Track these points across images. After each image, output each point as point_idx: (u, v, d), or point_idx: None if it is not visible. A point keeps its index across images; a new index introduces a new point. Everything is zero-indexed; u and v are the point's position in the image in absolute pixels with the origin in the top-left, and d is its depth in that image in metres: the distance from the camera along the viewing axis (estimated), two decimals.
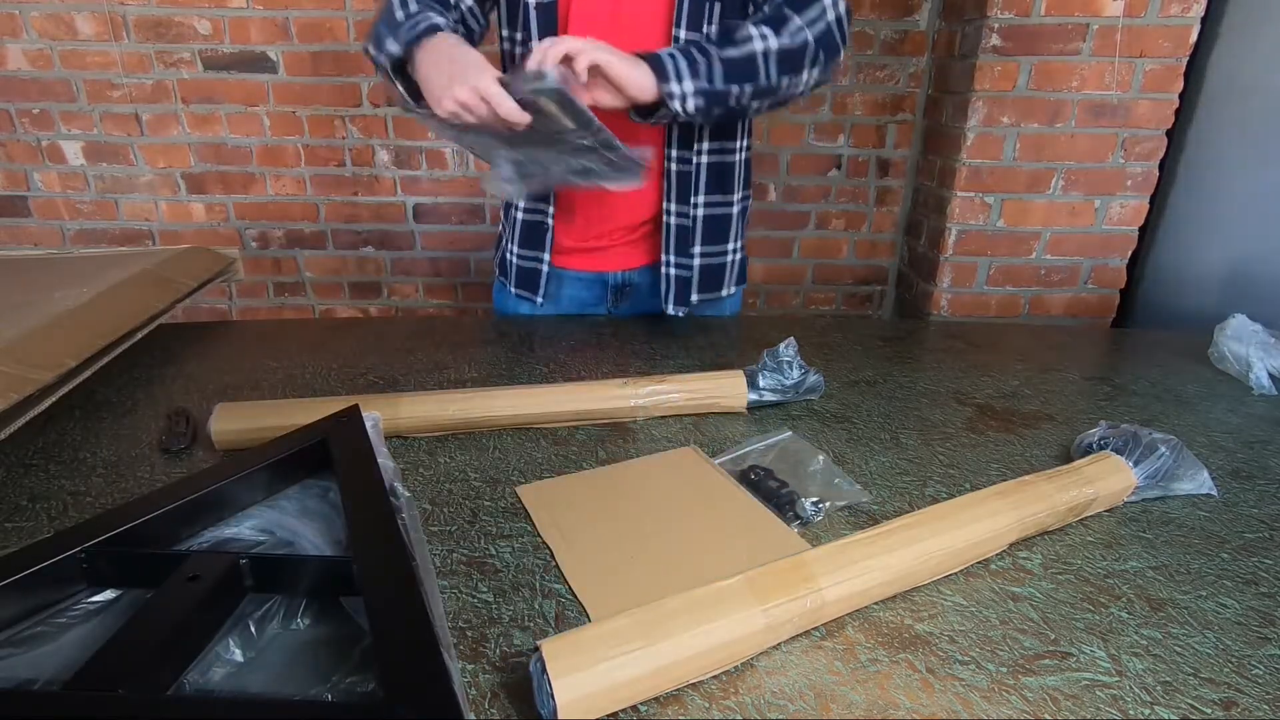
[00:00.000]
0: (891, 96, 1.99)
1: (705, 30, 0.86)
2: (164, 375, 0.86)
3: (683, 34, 0.86)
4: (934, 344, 1.00)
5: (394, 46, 0.77)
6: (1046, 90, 1.66)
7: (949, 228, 1.80)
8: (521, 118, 0.69)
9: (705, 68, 0.77)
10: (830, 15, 0.83)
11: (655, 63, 0.75)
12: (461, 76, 0.70)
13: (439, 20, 0.77)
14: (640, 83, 0.74)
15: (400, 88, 0.80)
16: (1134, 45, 1.61)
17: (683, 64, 0.76)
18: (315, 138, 2.01)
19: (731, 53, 0.78)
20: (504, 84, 0.69)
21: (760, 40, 0.78)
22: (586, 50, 0.70)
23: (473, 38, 0.90)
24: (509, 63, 0.93)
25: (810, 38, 0.81)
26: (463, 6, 0.89)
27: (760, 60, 0.79)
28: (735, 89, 0.79)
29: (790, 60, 0.81)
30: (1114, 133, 1.68)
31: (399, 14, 0.79)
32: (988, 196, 1.76)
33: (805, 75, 0.83)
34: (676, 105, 0.77)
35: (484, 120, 0.71)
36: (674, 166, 0.93)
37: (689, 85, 0.76)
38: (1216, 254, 1.59)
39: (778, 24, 0.80)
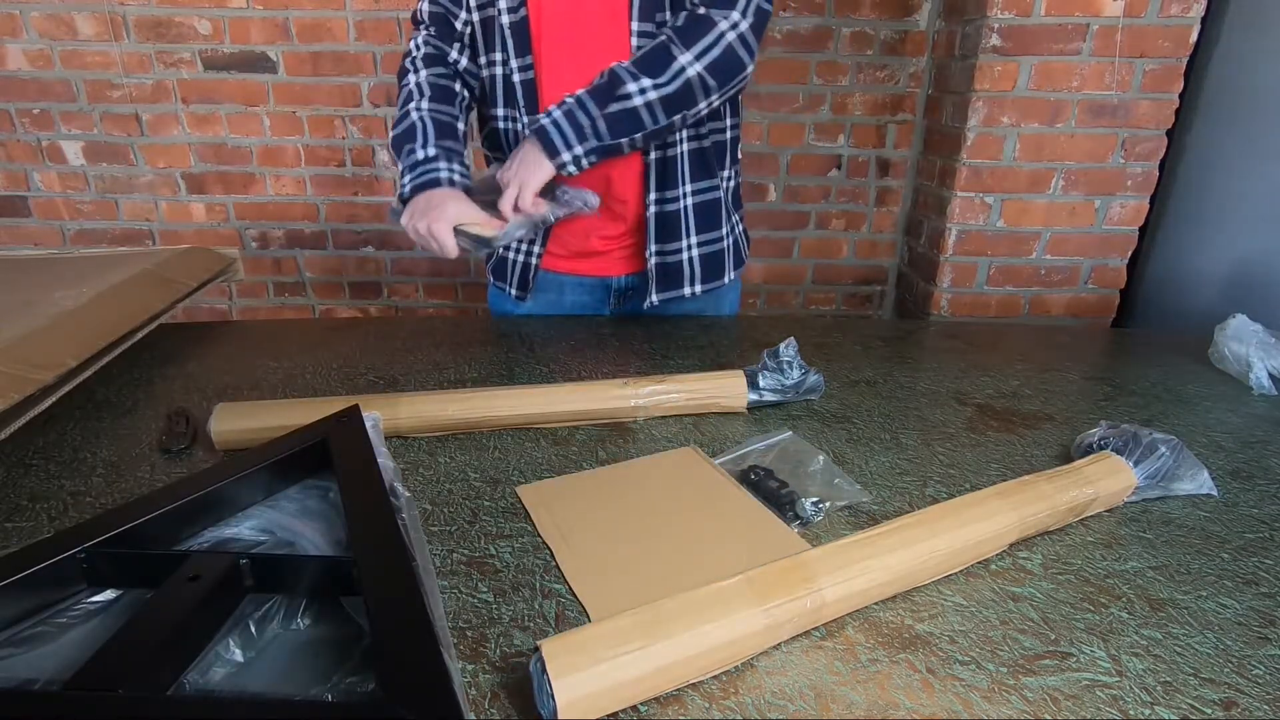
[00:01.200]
0: (891, 96, 1.99)
1: (659, 18, 0.87)
2: (164, 375, 0.86)
3: (636, 26, 0.87)
4: (934, 344, 1.00)
5: (406, 187, 0.89)
6: (1046, 90, 1.66)
7: (949, 228, 1.80)
8: (451, 255, 0.84)
9: (590, 128, 0.82)
10: (730, 36, 0.82)
11: (544, 139, 0.82)
12: (430, 215, 0.83)
13: (442, 174, 0.88)
14: (544, 174, 0.84)
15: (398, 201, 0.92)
16: (1134, 45, 1.60)
17: (568, 131, 0.82)
18: (315, 138, 2.01)
19: (613, 108, 0.82)
20: (456, 230, 0.84)
21: (640, 95, 0.82)
22: (517, 196, 0.83)
23: (473, 93, 0.99)
24: (491, 86, 0.95)
25: (695, 74, 0.82)
26: (459, 68, 0.96)
27: (643, 111, 0.83)
28: (624, 140, 0.84)
29: (675, 102, 0.84)
30: (1114, 133, 1.68)
31: (420, 154, 0.89)
32: (988, 196, 1.76)
33: (701, 104, 0.86)
34: (571, 169, 0.84)
35: (427, 248, 0.86)
36: (650, 157, 0.93)
37: (578, 149, 0.83)
38: (1216, 254, 1.59)
39: (659, 68, 0.82)
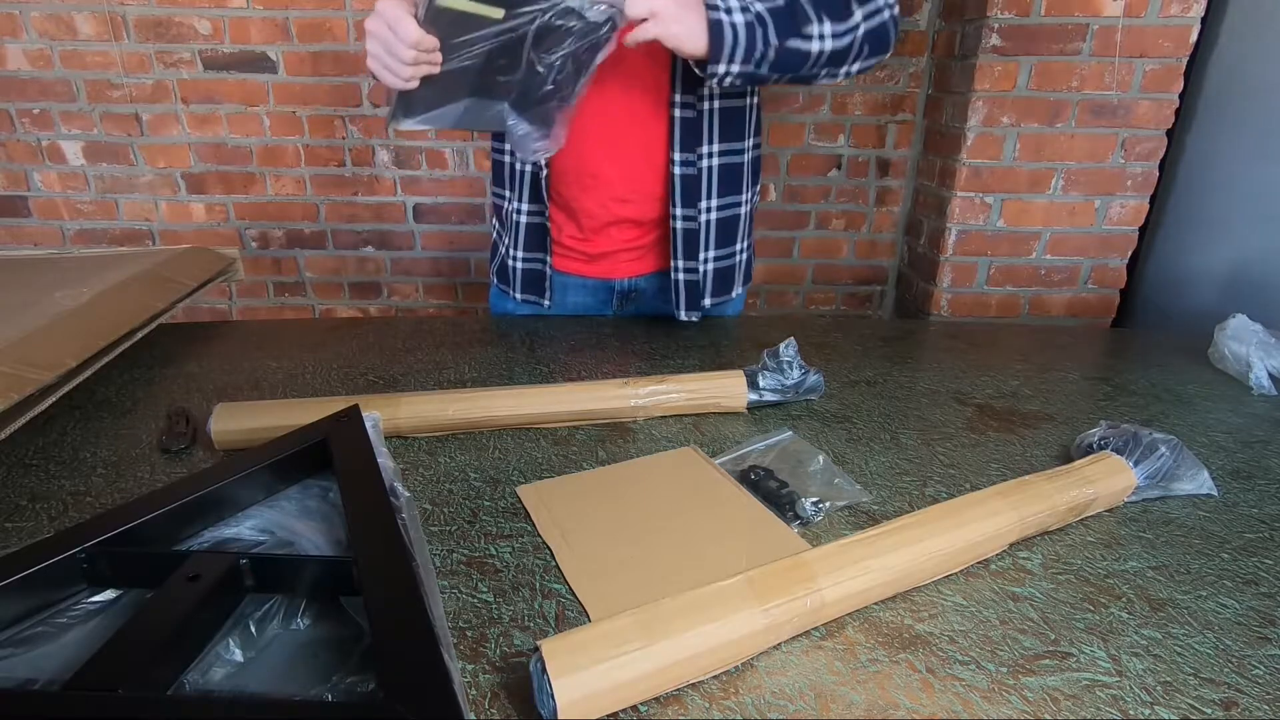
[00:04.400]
0: (891, 96, 1.99)
1: (706, 89, 0.85)
2: (164, 375, 0.86)
3: (678, 98, 0.86)
4: (934, 344, 1.00)
5: None
6: (1046, 90, 1.66)
7: (949, 228, 1.80)
8: (408, 37, 0.66)
9: (760, 54, 0.76)
10: (886, 14, 0.83)
11: (716, 35, 0.74)
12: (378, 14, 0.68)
13: None
14: (693, 43, 0.74)
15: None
16: (1134, 45, 1.61)
17: (742, 44, 0.75)
18: (315, 138, 2.01)
19: (791, 44, 0.77)
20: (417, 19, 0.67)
21: (819, 40, 0.78)
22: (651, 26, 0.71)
23: None
24: None
25: (862, 34, 0.80)
26: None
27: (812, 57, 0.79)
28: (775, 75, 0.80)
29: (837, 60, 0.81)
30: (1114, 133, 1.68)
31: None
32: (988, 196, 1.76)
33: (843, 70, 0.84)
34: (714, 83, 0.77)
35: (390, 49, 0.67)
36: (678, 170, 0.91)
37: (736, 67, 0.76)
38: (1216, 254, 1.59)
39: (839, 14, 0.79)
